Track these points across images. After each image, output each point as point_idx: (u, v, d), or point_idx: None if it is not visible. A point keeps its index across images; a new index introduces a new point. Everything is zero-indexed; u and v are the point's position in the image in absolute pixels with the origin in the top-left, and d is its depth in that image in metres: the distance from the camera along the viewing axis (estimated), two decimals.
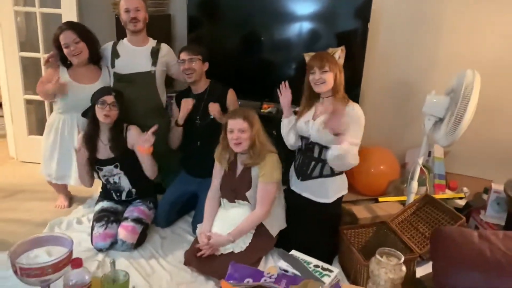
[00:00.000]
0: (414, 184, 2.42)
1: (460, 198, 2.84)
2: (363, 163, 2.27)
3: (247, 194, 2.17)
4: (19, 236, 2.29)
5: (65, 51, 2.42)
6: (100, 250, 2.23)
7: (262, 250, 2.18)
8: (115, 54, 2.58)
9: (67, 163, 2.54)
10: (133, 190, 2.45)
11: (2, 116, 3.84)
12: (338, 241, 2.26)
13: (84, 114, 2.40)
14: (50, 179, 2.63)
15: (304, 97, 2.27)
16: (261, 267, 2.15)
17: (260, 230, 2.16)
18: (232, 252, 2.07)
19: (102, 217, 2.31)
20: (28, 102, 3.29)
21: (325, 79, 2.10)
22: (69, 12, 2.94)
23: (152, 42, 2.63)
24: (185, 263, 2.14)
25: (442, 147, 2.63)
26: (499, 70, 2.86)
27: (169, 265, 2.17)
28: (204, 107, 2.46)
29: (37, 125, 3.52)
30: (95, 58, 2.54)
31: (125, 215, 2.36)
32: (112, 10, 3.35)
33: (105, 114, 2.25)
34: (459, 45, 2.93)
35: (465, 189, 2.95)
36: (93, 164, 2.36)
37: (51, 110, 3.22)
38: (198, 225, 2.27)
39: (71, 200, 2.81)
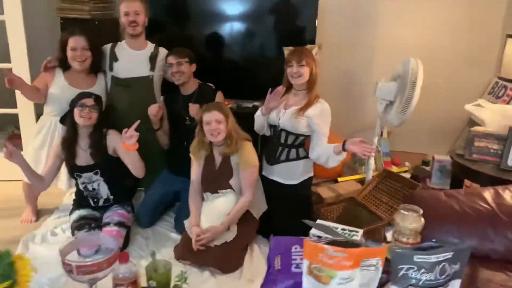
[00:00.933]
0: (371, 161, 2.73)
1: (405, 172, 3.23)
2: None
3: (231, 182, 2.29)
4: None
5: (69, 53, 2.39)
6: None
7: (249, 235, 2.33)
8: (113, 57, 2.56)
9: None
10: (111, 196, 2.44)
11: None
12: (312, 219, 2.48)
13: (62, 120, 2.35)
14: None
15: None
16: (248, 253, 2.31)
17: (244, 215, 2.29)
18: (226, 242, 2.19)
19: (83, 225, 2.29)
20: None
21: (302, 72, 2.29)
22: (14, 17, 2.80)
23: (150, 46, 2.64)
24: (178, 258, 2.22)
25: (392, 126, 2.95)
26: (429, 53, 3.25)
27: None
28: None
29: None
30: (95, 69, 2.53)
31: (106, 220, 2.35)
32: (56, 14, 3.24)
33: (84, 116, 2.23)
34: (393, 35, 3.33)
35: (407, 163, 3.35)
36: (72, 171, 2.32)
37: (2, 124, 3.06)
38: (185, 221, 2.34)
39: (38, 214, 2.70)
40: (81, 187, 2.38)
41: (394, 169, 3.26)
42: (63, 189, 2.62)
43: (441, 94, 3.41)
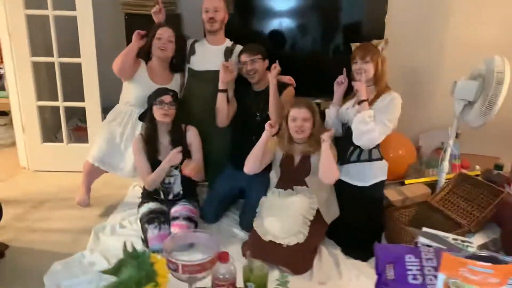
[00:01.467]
0: (446, 164, 2.59)
1: (476, 175, 3.05)
2: (383, 149, 2.40)
3: (306, 179, 2.26)
4: (66, 246, 2.28)
5: (155, 42, 2.49)
6: (156, 252, 2.22)
7: (319, 237, 2.26)
8: (192, 51, 2.63)
9: (123, 154, 2.56)
10: (181, 191, 2.45)
11: (5, 125, 3.70)
12: (383, 222, 2.39)
13: (141, 118, 2.41)
14: (98, 164, 2.57)
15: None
16: (317, 256, 2.24)
17: (314, 218, 2.23)
18: (297, 243, 2.13)
19: (153, 218, 2.29)
20: (41, 109, 3.17)
21: (366, 68, 2.22)
22: (84, 13, 2.86)
23: (228, 42, 2.67)
24: (247, 256, 2.17)
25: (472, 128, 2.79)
26: (504, 53, 3.08)
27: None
28: (264, 104, 2.48)
29: (52, 132, 3.41)
30: (175, 66, 2.61)
31: (174, 214, 2.36)
32: (122, 10, 3.30)
33: (163, 113, 2.27)
34: (465, 31, 3.15)
35: (477, 167, 3.16)
36: (154, 166, 2.37)
37: (67, 117, 3.16)
38: (255, 220, 2.29)
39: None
40: None
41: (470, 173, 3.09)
42: (127, 178, 2.68)
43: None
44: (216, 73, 2.55)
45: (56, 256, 2.15)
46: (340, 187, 2.35)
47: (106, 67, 2.74)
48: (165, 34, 2.49)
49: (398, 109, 2.22)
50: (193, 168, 2.29)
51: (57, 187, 2.98)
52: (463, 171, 2.69)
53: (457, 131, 2.84)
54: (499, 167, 3.08)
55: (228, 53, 2.62)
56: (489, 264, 0.93)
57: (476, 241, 2.15)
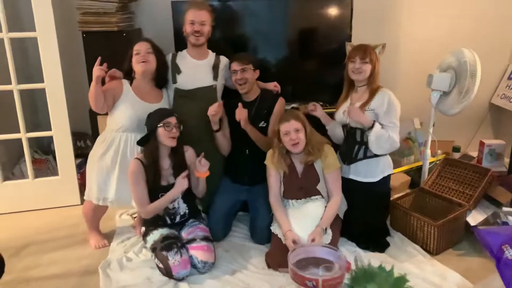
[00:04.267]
0: (428, 151, 2.81)
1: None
2: None
3: (318, 187, 2.28)
4: None
5: (134, 58, 2.29)
6: (181, 279, 2.10)
7: (338, 236, 2.31)
8: (176, 69, 2.44)
9: (127, 185, 2.25)
10: (187, 211, 2.34)
11: None
12: (388, 214, 2.53)
13: (141, 143, 2.23)
14: (105, 203, 2.35)
15: (344, 87, 2.46)
16: None
17: None
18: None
19: (171, 244, 2.15)
20: None
21: (364, 69, 2.31)
22: (46, 33, 2.61)
23: (212, 55, 2.55)
24: (274, 267, 2.16)
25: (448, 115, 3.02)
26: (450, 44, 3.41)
27: (259, 274, 2.15)
28: (254, 115, 2.46)
29: (8, 169, 3.03)
30: (160, 81, 2.41)
31: (189, 236, 2.25)
32: (78, 28, 3.05)
33: (172, 136, 2.15)
34: (416, 31, 3.46)
35: (439, 151, 3.48)
36: (157, 192, 2.21)
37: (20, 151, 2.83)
38: (273, 227, 2.28)
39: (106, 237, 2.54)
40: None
41: (430, 159, 3.37)
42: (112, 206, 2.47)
43: None
44: (206, 88, 2.50)
45: None
46: (350, 185, 2.41)
47: (67, 91, 2.60)
48: (142, 47, 2.32)
49: (397, 104, 2.34)
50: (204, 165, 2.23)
51: (33, 229, 2.66)
52: (447, 156, 2.94)
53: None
54: (456, 149, 3.45)
55: (215, 67, 2.54)
56: None
57: (475, 218, 2.38)
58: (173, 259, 2.10)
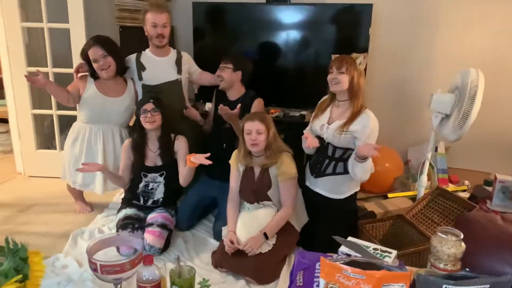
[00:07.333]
0: (424, 178, 2.56)
1: (463, 191, 3.00)
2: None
3: (269, 193, 2.26)
4: (44, 249, 2.28)
5: (94, 65, 2.49)
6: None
7: (287, 248, 2.26)
8: (140, 67, 2.65)
9: (93, 173, 2.58)
10: (161, 198, 2.51)
11: (6, 132, 3.85)
12: (357, 235, 2.36)
13: (131, 133, 2.54)
14: (74, 185, 2.68)
15: (328, 98, 2.37)
16: (286, 265, 2.24)
17: (284, 227, 2.24)
18: (260, 252, 2.13)
19: (127, 224, 2.35)
20: (36, 117, 3.31)
21: (340, 80, 2.19)
22: (77, 26, 2.99)
23: (173, 52, 2.72)
24: (215, 265, 2.20)
25: (449, 142, 2.76)
26: (493, 64, 3.04)
27: (198, 268, 2.20)
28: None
29: (46, 140, 3.54)
30: (121, 70, 2.62)
31: (150, 221, 2.41)
32: (116, 23, 3.43)
33: (148, 121, 2.37)
34: (453, 44, 3.12)
35: (466, 182, 3.11)
36: (140, 170, 2.46)
37: (60, 126, 3.27)
38: (223, 228, 2.33)
39: (91, 205, 2.87)
40: (142, 184, 2.49)
41: (451, 187, 3.04)
42: (98, 193, 2.70)
43: (506, 108, 3.14)
44: (171, 83, 2.65)
45: None
46: (317, 198, 2.34)
47: None
48: (96, 54, 2.46)
49: (377, 128, 2.19)
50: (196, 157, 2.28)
51: (47, 193, 3.09)
52: (440, 186, 2.64)
53: (438, 144, 2.81)
54: (488, 183, 3.02)
55: (178, 62, 2.67)
56: (360, 270, 0.93)
57: None
58: None
